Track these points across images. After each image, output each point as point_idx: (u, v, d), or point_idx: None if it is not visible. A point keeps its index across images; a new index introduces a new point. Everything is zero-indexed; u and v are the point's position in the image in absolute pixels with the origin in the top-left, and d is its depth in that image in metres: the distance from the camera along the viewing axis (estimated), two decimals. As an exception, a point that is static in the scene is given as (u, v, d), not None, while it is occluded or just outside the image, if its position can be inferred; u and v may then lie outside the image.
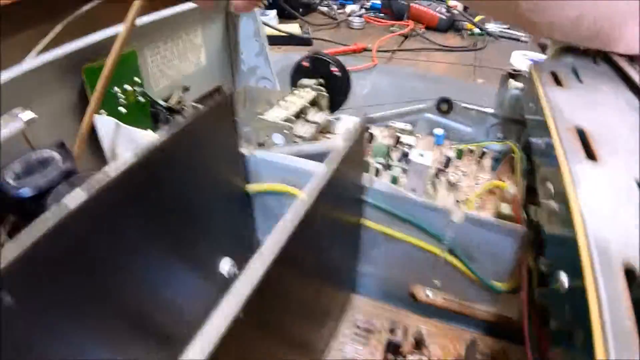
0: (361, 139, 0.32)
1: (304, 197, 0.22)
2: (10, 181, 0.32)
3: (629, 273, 0.16)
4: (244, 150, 0.35)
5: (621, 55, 0.38)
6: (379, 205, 0.32)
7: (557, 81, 0.34)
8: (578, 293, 0.17)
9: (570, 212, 0.19)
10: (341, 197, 0.29)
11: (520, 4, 0.32)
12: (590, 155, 0.23)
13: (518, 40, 1.29)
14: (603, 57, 0.40)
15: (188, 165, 0.28)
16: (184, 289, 0.31)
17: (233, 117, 0.31)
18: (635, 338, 0.14)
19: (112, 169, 0.21)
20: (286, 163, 0.34)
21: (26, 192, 0.32)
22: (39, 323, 0.20)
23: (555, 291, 0.19)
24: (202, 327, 0.16)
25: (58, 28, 0.66)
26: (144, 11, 0.44)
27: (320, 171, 0.24)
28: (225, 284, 0.36)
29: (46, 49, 0.57)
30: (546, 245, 0.24)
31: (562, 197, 0.21)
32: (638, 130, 0.26)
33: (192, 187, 0.29)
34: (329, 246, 0.30)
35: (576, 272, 0.17)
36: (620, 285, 0.16)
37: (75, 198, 0.20)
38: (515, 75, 0.51)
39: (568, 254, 0.18)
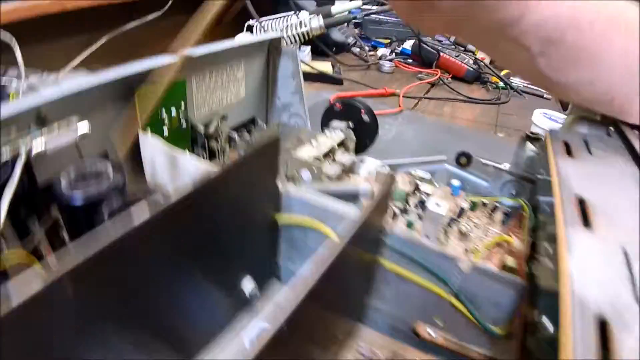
0: (389, 187, 0.35)
1: (338, 239, 0.25)
2: (64, 189, 0.35)
3: (602, 323, 0.19)
4: (280, 186, 0.38)
5: (633, 127, 0.41)
6: (396, 248, 0.35)
7: (568, 151, 0.37)
8: (556, 338, 0.20)
9: (559, 269, 0.22)
10: (367, 238, 0.32)
11: (539, 60, 0.34)
12: (587, 223, 0.26)
13: (541, 97, 1.33)
14: (616, 130, 0.43)
15: (232, 196, 0.32)
16: (207, 302, 0.34)
17: (277, 158, 0.35)
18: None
19: (174, 195, 0.25)
20: (318, 202, 0.37)
21: (77, 199, 0.35)
22: (88, 319, 0.23)
23: (541, 337, 0.22)
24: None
25: (100, 42, 0.71)
26: (197, 43, 0.49)
27: (355, 215, 0.27)
28: (245, 302, 0.39)
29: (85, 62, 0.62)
30: (539, 296, 0.27)
31: (555, 256, 0.24)
32: (636, 204, 0.29)
33: (231, 215, 0.32)
34: (349, 281, 0.33)
35: (557, 320, 0.20)
36: (592, 333, 0.19)
37: (139, 216, 0.23)
38: (532, 138, 0.55)
39: (554, 305, 0.22)
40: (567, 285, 0.21)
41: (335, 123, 0.61)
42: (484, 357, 0.38)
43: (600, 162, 0.36)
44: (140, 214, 0.23)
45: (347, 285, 0.33)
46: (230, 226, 0.33)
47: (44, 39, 0.94)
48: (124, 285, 0.24)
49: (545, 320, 0.22)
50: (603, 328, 0.19)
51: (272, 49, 0.69)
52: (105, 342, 0.24)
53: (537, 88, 1.36)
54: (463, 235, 0.53)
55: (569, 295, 0.21)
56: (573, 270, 0.22)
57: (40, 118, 0.40)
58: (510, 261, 0.47)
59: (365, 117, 0.63)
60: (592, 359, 0.18)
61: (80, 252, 0.21)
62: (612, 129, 0.43)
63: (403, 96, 1.18)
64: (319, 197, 0.37)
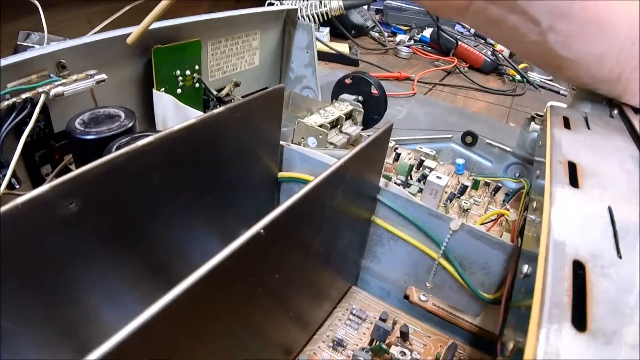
0: (383, 142, 0.36)
1: (314, 181, 0.26)
2: (78, 126, 0.38)
3: (577, 264, 0.20)
4: (282, 142, 0.40)
5: (637, 112, 0.41)
6: (389, 205, 0.36)
7: (567, 124, 0.38)
8: (532, 278, 0.21)
9: (542, 219, 0.23)
10: (354, 190, 0.33)
11: (550, 36, 0.35)
12: (574, 183, 0.27)
13: (558, 92, 1.32)
14: (619, 112, 0.43)
15: (235, 140, 0.33)
16: (199, 243, 0.35)
17: (280, 108, 0.36)
18: (568, 310, 0.18)
19: (178, 125, 0.26)
20: (316, 158, 0.39)
21: (89, 135, 0.37)
22: (90, 233, 0.24)
23: (517, 281, 0.23)
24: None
25: (122, 10, 0.72)
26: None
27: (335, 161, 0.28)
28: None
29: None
30: (524, 253, 0.28)
31: (540, 210, 0.25)
32: (628, 173, 0.29)
33: (233, 160, 0.34)
34: (337, 233, 0.34)
35: (536, 264, 0.21)
36: (567, 271, 0.19)
37: (145, 139, 0.24)
38: (538, 118, 0.55)
39: (534, 249, 0.22)
40: (546, 230, 0.22)
41: (345, 96, 0.62)
42: (473, 327, 0.39)
43: (597, 136, 0.36)
44: (145, 140, 0.24)
45: (335, 237, 0.33)
46: (233, 171, 0.34)
47: (68, 5, 0.96)
48: (122, 207, 0.25)
49: (524, 266, 0.23)
50: (580, 274, 0.20)
51: (288, 20, 0.70)
52: (94, 262, 0.25)
53: (554, 84, 1.35)
54: (463, 212, 0.54)
55: (547, 237, 0.21)
56: (554, 218, 0.23)
57: (60, 67, 0.41)
58: (507, 237, 0.48)
59: (375, 93, 0.63)
60: (563, 293, 0.18)
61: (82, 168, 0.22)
62: (615, 111, 0.44)
63: (417, 81, 1.18)
64: (317, 153, 0.38)
